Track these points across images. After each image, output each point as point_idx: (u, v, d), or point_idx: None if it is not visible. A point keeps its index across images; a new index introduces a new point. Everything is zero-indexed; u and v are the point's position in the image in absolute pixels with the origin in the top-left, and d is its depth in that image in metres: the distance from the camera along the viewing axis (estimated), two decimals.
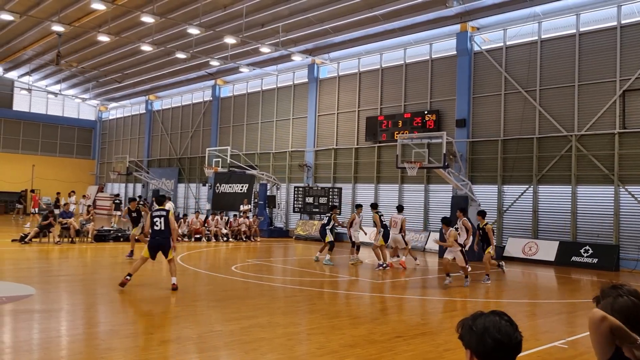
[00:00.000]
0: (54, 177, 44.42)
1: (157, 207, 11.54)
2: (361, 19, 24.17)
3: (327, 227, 17.47)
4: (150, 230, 11.08)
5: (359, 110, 27.37)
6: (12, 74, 43.53)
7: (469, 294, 12.32)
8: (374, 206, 17.71)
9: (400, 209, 17.73)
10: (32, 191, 38.44)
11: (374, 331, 8.14)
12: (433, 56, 24.57)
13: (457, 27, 23.01)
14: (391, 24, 24.17)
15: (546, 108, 20.58)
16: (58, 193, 34.24)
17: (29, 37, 32.67)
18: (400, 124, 24.91)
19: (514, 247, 20.61)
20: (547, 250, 19.70)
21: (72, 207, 23.94)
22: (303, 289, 12.12)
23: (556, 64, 20.54)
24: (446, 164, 19.58)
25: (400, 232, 16.63)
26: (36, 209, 30.51)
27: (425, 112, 24.11)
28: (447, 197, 22.29)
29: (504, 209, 21.55)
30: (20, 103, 45.41)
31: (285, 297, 11.27)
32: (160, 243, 10.93)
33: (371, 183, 26.54)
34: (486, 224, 14.61)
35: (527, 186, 20.89)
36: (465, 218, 14.61)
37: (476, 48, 22.85)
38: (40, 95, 45.53)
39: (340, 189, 27.02)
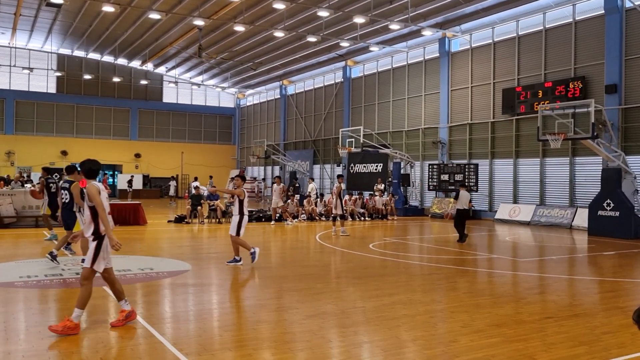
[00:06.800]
0: (201, 162, 47.80)
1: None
2: None
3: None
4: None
5: (494, 83, 26.16)
6: (161, 69, 47.27)
7: (623, 274, 11.37)
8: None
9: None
10: (106, 173, 41.72)
11: (521, 311, 7.80)
12: (577, 18, 22.74)
13: None
14: None
15: None
16: (211, 177, 37.32)
17: (173, 34, 35.17)
18: (541, 94, 23.44)
19: None
20: None
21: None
22: (441, 267, 11.93)
23: None
24: (595, 134, 18.13)
25: None
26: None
27: (569, 80, 22.44)
28: (597, 169, 20.67)
29: None
30: (169, 95, 49.28)
31: (423, 274, 11.18)
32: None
33: (510, 158, 25.35)
34: None
35: None
36: None
37: (628, 4, 20.77)
38: (185, 87, 49.00)
39: (477, 165, 26.11)
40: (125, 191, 37.29)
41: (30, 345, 6.02)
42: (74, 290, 8.85)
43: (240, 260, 11.54)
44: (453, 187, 26.67)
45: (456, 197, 16.52)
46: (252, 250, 11.48)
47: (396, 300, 8.38)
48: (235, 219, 11.52)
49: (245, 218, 11.59)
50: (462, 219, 16.33)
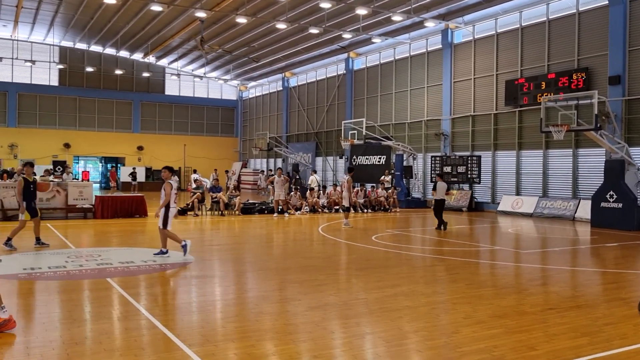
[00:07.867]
0: (203, 155, 47.84)
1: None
2: None
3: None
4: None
5: (497, 74, 26.06)
6: (163, 62, 47.20)
7: (626, 265, 11.37)
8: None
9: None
10: (112, 166, 42.46)
11: (523, 302, 7.81)
12: (580, 9, 22.62)
13: None
14: None
15: None
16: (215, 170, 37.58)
17: (175, 26, 35.07)
18: (544, 85, 23.34)
19: None
20: None
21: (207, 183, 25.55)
22: (443, 259, 11.95)
23: None
24: (598, 125, 18.07)
25: None
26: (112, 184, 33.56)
27: (573, 71, 22.35)
28: (600, 161, 20.62)
29: None
30: (171, 88, 49.22)
31: (425, 266, 11.19)
32: None
33: (512, 150, 25.29)
34: None
35: None
36: None
37: None
38: (188, 79, 48.94)
39: (479, 157, 26.06)
40: (129, 184, 37.41)
41: (34, 336, 6.06)
42: (78, 283, 8.89)
43: (167, 253, 11.35)
44: (456, 179, 26.64)
45: (434, 188, 17.92)
46: (183, 243, 11.32)
47: (398, 292, 8.40)
48: (162, 211, 11.34)
49: (172, 210, 11.40)
50: (440, 208, 17.57)
